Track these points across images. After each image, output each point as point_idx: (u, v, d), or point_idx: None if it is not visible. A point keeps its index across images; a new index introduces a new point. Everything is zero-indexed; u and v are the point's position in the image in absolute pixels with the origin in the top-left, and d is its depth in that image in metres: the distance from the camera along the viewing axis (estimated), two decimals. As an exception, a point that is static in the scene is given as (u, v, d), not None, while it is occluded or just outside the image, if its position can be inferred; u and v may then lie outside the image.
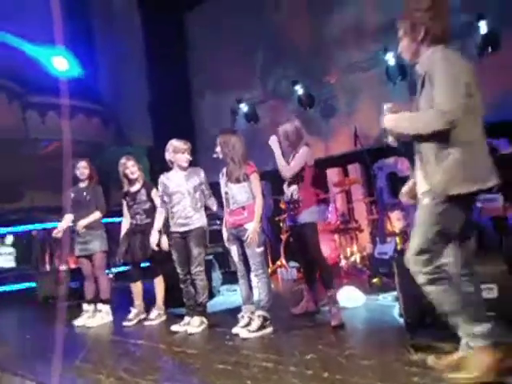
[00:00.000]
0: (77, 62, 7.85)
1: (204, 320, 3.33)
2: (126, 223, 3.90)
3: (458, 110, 1.70)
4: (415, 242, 1.85)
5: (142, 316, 3.81)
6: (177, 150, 3.37)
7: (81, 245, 3.99)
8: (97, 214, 3.98)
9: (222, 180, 3.20)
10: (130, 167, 3.77)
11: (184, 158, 3.38)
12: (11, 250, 6.98)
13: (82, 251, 3.99)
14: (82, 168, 4.07)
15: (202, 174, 3.47)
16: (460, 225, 1.83)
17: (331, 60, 6.64)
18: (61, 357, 2.99)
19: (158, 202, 3.68)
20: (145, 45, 8.28)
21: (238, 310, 3.44)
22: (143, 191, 3.80)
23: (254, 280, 3.14)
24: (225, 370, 2.33)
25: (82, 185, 4.11)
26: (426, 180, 1.84)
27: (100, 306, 3.98)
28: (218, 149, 3.13)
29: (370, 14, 6.31)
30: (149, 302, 3.89)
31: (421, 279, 1.84)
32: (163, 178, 3.46)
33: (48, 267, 5.78)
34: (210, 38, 8.03)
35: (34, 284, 5.69)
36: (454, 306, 1.81)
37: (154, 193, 3.78)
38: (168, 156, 3.41)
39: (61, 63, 7.61)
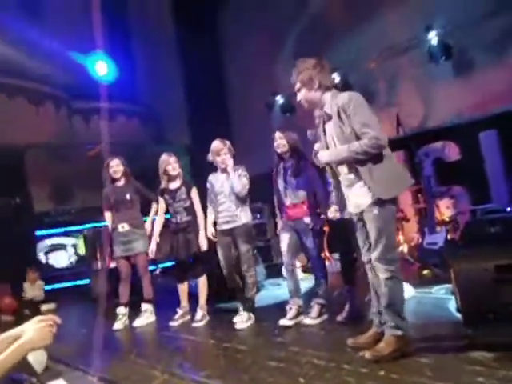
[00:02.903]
0: (115, 65, 8.10)
1: (252, 315, 3.36)
2: (160, 220, 3.83)
3: (383, 134, 2.21)
4: (381, 247, 2.21)
5: (187, 317, 3.76)
6: (214, 153, 3.41)
7: (123, 245, 3.90)
8: (154, 206, 3.96)
9: (280, 175, 3.27)
10: (173, 163, 3.70)
11: (220, 160, 3.40)
12: (66, 249, 7.40)
13: (126, 251, 3.90)
14: (115, 166, 3.97)
15: (240, 170, 3.42)
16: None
17: (370, 44, 6.38)
18: (116, 353, 3.14)
19: (196, 201, 3.73)
20: (179, 46, 8.38)
21: (283, 304, 3.45)
22: (183, 189, 3.73)
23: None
24: (276, 367, 2.32)
25: (119, 184, 4.02)
26: (370, 192, 2.22)
27: (145, 305, 3.95)
28: (283, 142, 3.21)
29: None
30: (195, 300, 3.87)
31: (384, 274, 2.22)
32: (211, 178, 3.54)
33: (100, 265, 6.03)
34: (244, 33, 7.99)
35: (87, 281, 6.00)
36: (398, 300, 2.24)
37: (193, 192, 3.74)
38: (209, 158, 3.48)
39: (101, 68, 7.89)
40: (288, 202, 3.22)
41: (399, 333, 2.19)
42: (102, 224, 6.30)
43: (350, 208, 2.43)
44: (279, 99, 7.40)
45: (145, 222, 4.09)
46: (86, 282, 6.22)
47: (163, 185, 3.75)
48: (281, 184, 3.28)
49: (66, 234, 7.36)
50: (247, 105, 7.99)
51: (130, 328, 3.85)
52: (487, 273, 2.29)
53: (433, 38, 5.53)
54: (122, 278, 3.98)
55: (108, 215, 4.07)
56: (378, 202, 2.21)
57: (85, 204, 7.43)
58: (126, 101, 8.93)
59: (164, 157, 3.73)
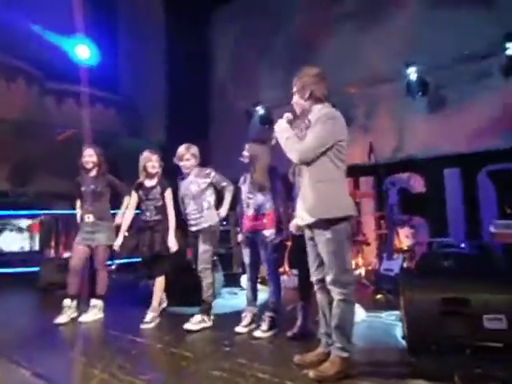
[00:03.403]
0: (98, 51, 7.89)
1: (206, 319, 3.32)
2: (129, 215, 3.78)
3: (311, 156, 2.22)
4: (334, 270, 2.22)
5: (164, 304, 3.86)
6: (177, 158, 3.48)
7: (86, 234, 3.82)
8: (127, 199, 3.86)
9: (245, 185, 3.30)
10: (154, 161, 3.67)
11: (183, 165, 3.48)
12: (19, 233, 7.04)
13: (87, 240, 3.82)
14: (87, 156, 3.89)
15: (208, 171, 3.47)
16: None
17: (352, 70, 6.56)
18: (56, 347, 2.99)
19: (169, 202, 3.70)
20: (167, 40, 8.31)
21: (238, 313, 3.42)
22: (158, 188, 3.69)
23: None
24: (220, 377, 2.28)
25: (91, 174, 3.93)
26: (305, 208, 2.28)
27: (94, 301, 3.81)
28: (246, 154, 3.24)
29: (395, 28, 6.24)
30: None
31: (338, 296, 2.24)
32: (179, 181, 3.59)
33: (52, 253, 5.78)
34: (233, 38, 8.04)
35: (37, 269, 5.71)
36: (348, 323, 2.25)
37: (167, 193, 3.69)
38: (175, 161, 3.51)
39: (83, 51, 7.66)
40: (250, 212, 3.24)
41: (345, 355, 2.22)
42: (61, 211, 6.08)
43: (298, 220, 2.45)
44: (259, 109, 7.44)
45: (114, 215, 3.99)
46: (35, 269, 5.92)
47: (140, 180, 3.74)
48: (245, 193, 3.30)
49: (21, 217, 7.00)
50: (228, 109, 7.99)
51: (75, 323, 3.68)
52: (434, 304, 2.37)
53: (412, 73, 5.77)
54: (73, 268, 3.78)
55: (78, 203, 4.05)
56: (329, 224, 2.20)
57: (45, 188, 7.12)
58: (105, 89, 8.70)
59: (146, 153, 3.72)
